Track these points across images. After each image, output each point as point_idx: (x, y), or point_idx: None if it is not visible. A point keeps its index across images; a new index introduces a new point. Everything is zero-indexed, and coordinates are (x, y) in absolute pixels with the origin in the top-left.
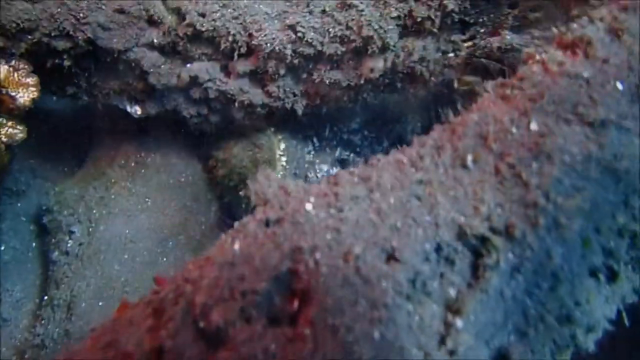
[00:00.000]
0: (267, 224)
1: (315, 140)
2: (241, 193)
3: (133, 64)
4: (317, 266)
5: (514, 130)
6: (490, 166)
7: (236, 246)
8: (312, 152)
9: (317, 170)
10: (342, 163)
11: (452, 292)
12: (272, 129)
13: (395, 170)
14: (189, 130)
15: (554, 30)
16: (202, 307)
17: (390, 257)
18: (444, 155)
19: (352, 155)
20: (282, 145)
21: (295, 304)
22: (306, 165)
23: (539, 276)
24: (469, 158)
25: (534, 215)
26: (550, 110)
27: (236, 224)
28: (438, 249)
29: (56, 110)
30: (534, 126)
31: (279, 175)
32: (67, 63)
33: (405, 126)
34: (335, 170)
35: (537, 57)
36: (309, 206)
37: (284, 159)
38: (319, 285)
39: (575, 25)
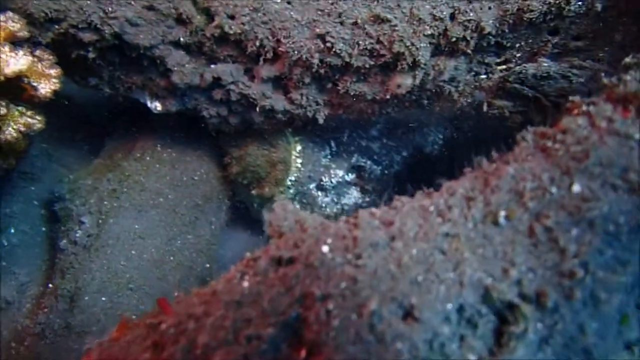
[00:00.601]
0: (279, 262)
1: (332, 144)
2: (253, 192)
3: (158, 61)
4: (328, 317)
5: (553, 190)
6: (525, 226)
7: (245, 284)
8: (329, 156)
9: (332, 175)
10: (359, 170)
11: (472, 358)
12: (290, 130)
13: (420, 219)
14: (207, 128)
15: (604, 80)
16: (204, 348)
17: (408, 315)
18: (475, 208)
19: (369, 162)
20: (299, 147)
21: (303, 354)
22: (321, 169)
23: (570, 351)
24: (502, 214)
25: (569, 286)
26: (596, 173)
27: (247, 254)
28: (460, 309)
29: (76, 97)
30: (576, 188)
31: (294, 179)
32: (92, 55)
33: (426, 137)
34: (350, 176)
35: (584, 107)
36: (325, 248)
37: (299, 160)
38: (329, 339)
39: (628, 77)
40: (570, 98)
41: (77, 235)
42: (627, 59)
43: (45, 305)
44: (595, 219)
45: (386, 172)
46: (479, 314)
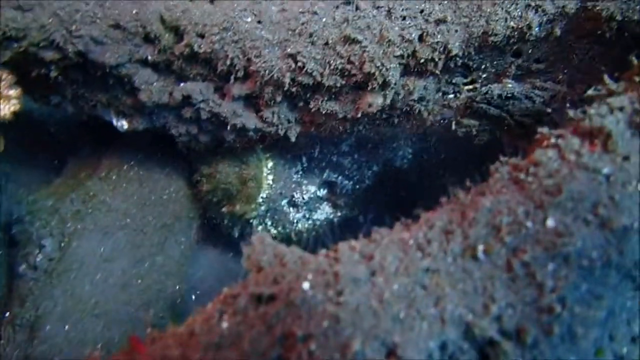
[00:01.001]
0: (259, 299)
1: (304, 160)
2: (224, 210)
3: (124, 79)
4: (311, 358)
5: (529, 224)
6: (503, 260)
7: (224, 324)
8: (300, 172)
9: (304, 191)
10: (330, 185)
11: None
12: (261, 147)
13: (400, 252)
14: (176, 146)
15: (570, 113)
16: None
17: (391, 354)
18: (453, 242)
19: (340, 178)
20: (270, 164)
21: None
22: (293, 185)
23: None
24: (480, 249)
25: (548, 321)
26: (569, 208)
27: (225, 290)
28: (443, 346)
29: (36, 113)
30: (550, 223)
31: (265, 196)
32: (54, 74)
33: (396, 152)
34: (322, 192)
35: (552, 140)
36: (306, 285)
37: (270, 177)
38: None
39: (592, 111)
40: (539, 130)
41: (38, 259)
42: (590, 92)
43: (1, 336)
44: (569, 254)
45: (357, 187)
46: (460, 350)
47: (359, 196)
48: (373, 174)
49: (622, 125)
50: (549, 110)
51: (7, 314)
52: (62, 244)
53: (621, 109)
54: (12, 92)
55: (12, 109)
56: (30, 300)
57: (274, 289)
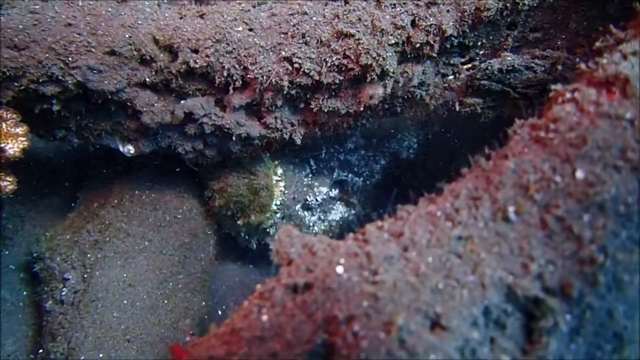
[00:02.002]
0: (294, 289)
1: (312, 162)
2: (239, 222)
3: (126, 104)
4: (356, 339)
5: (557, 179)
6: (536, 219)
7: (264, 317)
8: (310, 175)
9: (317, 193)
10: (341, 184)
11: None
12: (268, 154)
13: (429, 225)
14: (182, 164)
15: (582, 65)
16: None
17: (436, 325)
18: (482, 207)
19: (350, 175)
20: (279, 170)
21: None
22: (305, 189)
23: (601, 338)
24: (511, 210)
25: (591, 273)
26: (596, 157)
27: (259, 287)
28: (486, 312)
29: (42, 151)
30: (580, 174)
31: (279, 202)
32: (56, 108)
33: (401, 142)
34: (334, 192)
35: (567, 95)
36: (339, 269)
37: (281, 184)
38: None
39: (605, 61)
40: (552, 87)
41: (63, 293)
42: (598, 44)
43: None
44: (604, 203)
45: (368, 182)
46: (505, 313)
47: (371, 192)
48: (381, 168)
49: (637, 68)
50: (553, 78)
51: (40, 351)
52: (85, 275)
53: (634, 53)
54: (19, 130)
55: (20, 146)
56: (62, 334)
57: (308, 277)
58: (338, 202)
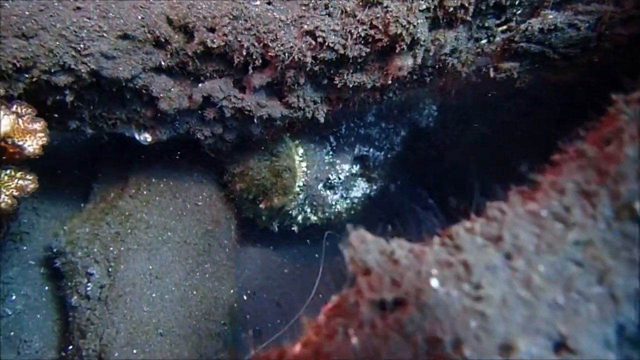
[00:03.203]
0: (382, 306)
1: (332, 139)
2: (261, 205)
3: (141, 91)
4: None
5: None
6: None
7: (353, 340)
8: (331, 153)
9: (339, 171)
10: (362, 160)
11: None
12: (288, 135)
13: (534, 227)
14: (199, 149)
15: None
16: None
17: (561, 347)
18: (601, 204)
19: (371, 150)
20: (301, 150)
21: None
22: (327, 167)
23: None
24: (639, 206)
25: None
26: None
27: (334, 298)
28: (621, 329)
29: (53, 141)
30: None
31: (302, 184)
32: (69, 98)
33: (421, 111)
34: (355, 168)
35: None
36: (434, 282)
37: (303, 164)
38: None
39: None
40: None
41: (89, 288)
42: None
43: None
44: None
45: (389, 155)
46: None
47: (391, 165)
48: (402, 140)
49: None
50: (597, 35)
51: (70, 347)
52: (110, 269)
53: None
54: (37, 126)
55: (40, 143)
56: (92, 330)
57: (396, 292)
58: (359, 178)
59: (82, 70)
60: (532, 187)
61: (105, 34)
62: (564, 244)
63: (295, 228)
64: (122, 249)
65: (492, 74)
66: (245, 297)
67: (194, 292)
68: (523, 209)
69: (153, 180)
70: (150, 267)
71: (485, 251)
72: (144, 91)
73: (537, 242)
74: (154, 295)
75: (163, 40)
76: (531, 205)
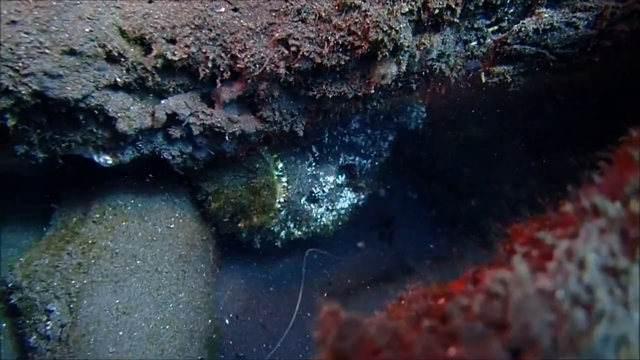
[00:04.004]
0: None
1: (314, 149)
2: (240, 225)
3: (95, 111)
4: None
5: None
6: None
7: None
8: (314, 164)
9: (323, 184)
10: (348, 169)
11: None
12: (265, 148)
13: (549, 314)
14: (168, 166)
15: None
16: None
17: None
18: (632, 286)
19: (357, 158)
20: (280, 164)
21: None
22: (309, 181)
23: None
24: None
25: None
26: None
27: None
28: None
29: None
30: None
31: (283, 200)
32: (11, 123)
33: (409, 114)
34: (341, 179)
35: None
36: None
37: (284, 179)
38: None
39: None
40: None
41: (48, 327)
42: None
43: None
44: None
45: (376, 163)
46: None
47: (379, 172)
48: (389, 145)
49: None
50: (597, 33)
51: None
52: (71, 305)
53: None
54: None
55: None
56: None
57: None
58: (346, 189)
59: (23, 92)
60: (540, 240)
61: (47, 50)
62: (589, 340)
63: (278, 244)
64: (85, 281)
65: (483, 79)
66: (227, 322)
67: (167, 327)
68: (532, 287)
69: (119, 202)
70: (117, 301)
71: (486, 346)
72: (98, 111)
73: (554, 336)
74: (120, 333)
75: (116, 54)
76: (543, 282)
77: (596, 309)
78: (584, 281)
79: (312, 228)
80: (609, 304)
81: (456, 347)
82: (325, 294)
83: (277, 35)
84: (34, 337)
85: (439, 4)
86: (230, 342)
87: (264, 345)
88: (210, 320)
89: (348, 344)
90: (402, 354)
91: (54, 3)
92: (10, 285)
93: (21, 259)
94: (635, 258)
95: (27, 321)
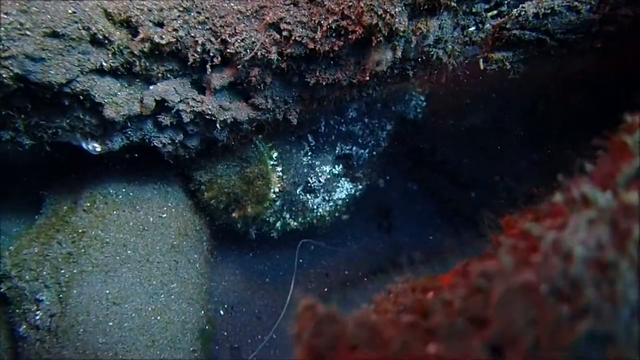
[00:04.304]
0: None
1: (310, 139)
2: (234, 215)
3: (81, 97)
4: None
5: None
6: None
7: None
8: (310, 154)
9: (319, 174)
10: (345, 159)
11: None
12: (260, 137)
13: (532, 310)
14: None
15: None
16: None
17: None
18: (621, 281)
19: (354, 148)
20: (275, 154)
21: None
22: (305, 170)
23: None
24: None
25: None
26: None
27: None
28: None
29: None
30: None
31: (278, 190)
32: None
33: (408, 103)
34: (338, 169)
35: None
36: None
37: (279, 169)
38: None
39: None
40: None
41: (37, 317)
42: None
43: None
44: None
45: (374, 152)
46: None
47: (377, 161)
48: (387, 135)
49: None
50: (600, 18)
51: None
52: (61, 295)
53: None
54: None
55: None
56: None
57: None
58: (343, 179)
59: (4, 75)
60: (530, 230)
61: (28, 32)
62: (573, 338)
63: (274, 234)
64: (74, 271)
65: (482, 66)
66: (222, 313)
67: (158, 318)
68: (516, 281)
69: (110, 191)
70: (107, 292)
71: (465, 343)
72: (84, 97)
73: (537, 332)
74: (110, 324)
75: (101, 37)
76: (527, 275)
77: (581, 305)
78: (569, 275)
79: (308, 219)
80: (595, 299)
81: (436, 344)
82: (323, 286)
83: (268, 19)
84: (24, 326)
85: None
86: (225, 333)
87: (259, 337)
88: (203, 312)
89: (324, 340)
90: (380, 350)
91: None
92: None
93: (10, 247)
94: (624, 251)
95: (17, 310)
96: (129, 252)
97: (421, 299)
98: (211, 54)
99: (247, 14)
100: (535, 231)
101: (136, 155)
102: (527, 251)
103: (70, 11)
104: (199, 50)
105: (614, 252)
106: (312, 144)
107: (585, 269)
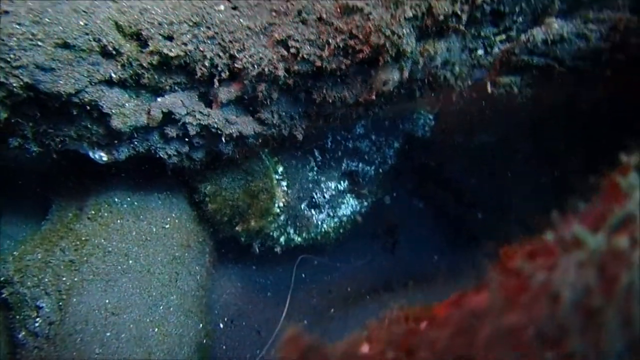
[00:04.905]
0: None
1: (316, 154)
2: (237, 228)
3: (89, 107)
4: None
5: None
6: None
7: None
8: (315, 169)
9: (324, 190)
10: (351, 175)
11: None
12: (266, 151)
13: (516, 355)
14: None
15: None
16: None
17: None
18: (608, 330)
19: (360, 165)
20: (280, 168)
21: None
22: (310, 186)
23: None
24: None
25: None
26: None
27: None
28: None
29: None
30: None
31: (283, 204)
32: (3, 115)
33: (417, 121)
34: (343, 185)
35: None
36: None
37: (284, 183)
38: None
39: None
40: None
41: (37, 324)
42: None
43: None
44: None
45: (380, 170)
46: None
47: (383, 179)
48: (395, 152)
49: None
50: (610, 46)
51: None
52: (61, 303)
53: None
54: None
55: None
56: None
57: None
58: (348, 195)
59: (14, 84)
60: (523, 266)
61: (40, 43)
62: None
63: (278, 249)
64: (75, 279)
65: (489, 89)
66: (221, 325)
67: (155, 330)
68: (504, 322)
69: (115, 200)
70: (107, 302)
71: None
72: (92, 107)
73: None
74: (108, 334)
75: (111, 49)
76: (513, 317)
77: (566, 351)
78: (556, 319)
79: (312, 234)
80: (580, 346)
81: None
82: (325, 302)
83: (276, 35)
84: (23, 333)
85: (445, 10)
86: (224, 347)
87: (258, 352)
88: (201, 325)
89: None
90: None
91: None
92: (2, 279)
93: (15, 253)
94: (611, 297)
95: (17, 316)
96: (130, 262)
97: (415, 328)
98: (219, 69)
99: (256, 30)
100: (526, 269)
101: (143, 165)
102: (517, 290)
103: (82, 23)
104: (207, 64)
105: (601, 298)
106: (318, 160)
107: (573, 313)
